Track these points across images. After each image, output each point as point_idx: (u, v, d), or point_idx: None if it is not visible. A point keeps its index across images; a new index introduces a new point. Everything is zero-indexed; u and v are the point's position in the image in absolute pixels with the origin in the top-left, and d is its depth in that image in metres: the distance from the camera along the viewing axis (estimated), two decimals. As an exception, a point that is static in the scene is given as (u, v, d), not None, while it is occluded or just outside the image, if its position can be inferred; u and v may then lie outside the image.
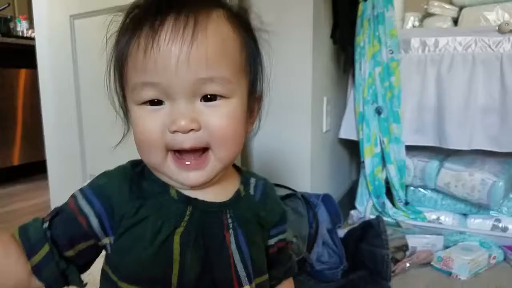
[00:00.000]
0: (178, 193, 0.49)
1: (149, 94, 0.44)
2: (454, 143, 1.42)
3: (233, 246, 0.49)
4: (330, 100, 1.47)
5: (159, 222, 0.46)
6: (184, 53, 0.42)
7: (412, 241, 1.29)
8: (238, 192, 0.53)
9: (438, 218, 1.49)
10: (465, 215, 1.49)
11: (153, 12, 0.43)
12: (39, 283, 0.45)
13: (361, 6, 1.46)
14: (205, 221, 0.48)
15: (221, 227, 0.49)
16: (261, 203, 0.55)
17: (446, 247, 1.32)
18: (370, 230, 1.19)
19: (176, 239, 0.46)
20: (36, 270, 0.44)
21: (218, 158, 0.46)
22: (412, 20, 1.91)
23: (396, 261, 1.23)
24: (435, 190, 1.52)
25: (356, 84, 1.51)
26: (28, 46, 2.05)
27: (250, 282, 0.50)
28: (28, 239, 0.45)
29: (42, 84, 1.67)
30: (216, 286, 0.48)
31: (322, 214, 1.24)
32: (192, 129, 0.44)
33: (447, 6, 1.82)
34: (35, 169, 2.43)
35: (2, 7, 2.84)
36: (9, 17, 2.94)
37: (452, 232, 1.40)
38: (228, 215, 0.50)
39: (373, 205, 1.53)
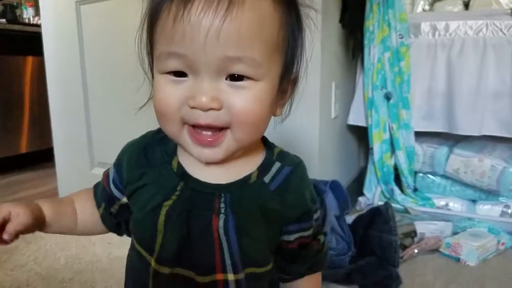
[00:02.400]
0: (179, 165, 0.49)
1: (173, 65, 0.42)
2: (464, 129, 1.41)
3: (221, 232, 0.47)
4: (339, 85, 1.46)
5: (153, 191, 0.49)
6: (215, 27, 0.39)
7: (421, 227, 1.29)
8: (246, 178, 0.49)
9: (446, 204, 1.48)
10: (474, 201, 1.48)
11: None
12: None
13: (370, -10, 1.44)
14: (194, 200, 0.48)
15: (210, 210, 0.47)
16: (277, 195, 0.49)
17: (454, 233, 1.32)
18: (379, 216, 1.19)
19: (163, 211, 0.48)
20: (102, 220, 0.56)
21: (236, 139, 0.44)
22: (422, 4, 1.86)
23: (404, 247, 1.23)
24: (444, 176, 1.51)
25: (365, 69, 1.49)
26: (35, 33, 2.04)
27: (236, 272, 0.48)
28: (95, 196, 0.57)
29: (49, 71, 1.67)
30: (195, 267, 0.47)
31: (330, 201, 1.24)
32: (212, 108, 0.41)
33: (458, -11, 1.78)
34: (42, 156, 2.45)
35: (8, -6, 2.84)
36: (15, 4, 2.94)
37: (461, 219, 1.39)
38: (222, 199, 0.47)
39: (382, 191, 1.53)
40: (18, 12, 2.93)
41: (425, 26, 1.46)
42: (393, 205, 1.28)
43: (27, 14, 2.98)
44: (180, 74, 0.43)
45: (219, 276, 0.48)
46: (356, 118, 1.56)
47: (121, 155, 0.54)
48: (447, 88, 1.44)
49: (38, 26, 2.08)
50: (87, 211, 0.57)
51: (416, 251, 1.22)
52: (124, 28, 1.41)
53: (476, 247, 1.19)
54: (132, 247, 0.54)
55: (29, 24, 2.84)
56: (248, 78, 0.42)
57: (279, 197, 0.49)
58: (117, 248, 1.31)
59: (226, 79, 0.42)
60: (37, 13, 2.88)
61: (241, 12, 0.40)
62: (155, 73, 0.45)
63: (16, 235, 0.48)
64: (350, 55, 1.57)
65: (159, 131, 0.52)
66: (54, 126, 1.74)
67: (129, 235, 0.57)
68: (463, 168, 1.44)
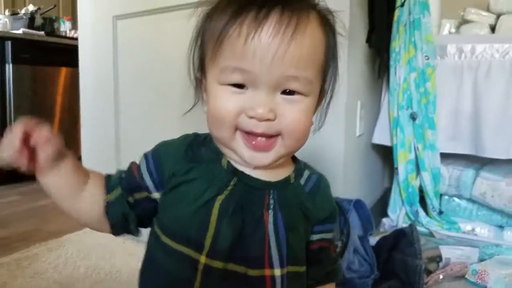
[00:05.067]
0: (229, 163, 0.52)
1: (237, 78, 0.47)
2: (491, 152, 1.38)
3: (270, 227, 0.50)
4: (364, 104, 1.46)
5: (204, 186, 0.50)
6: (282, 50, 0.44)
7: (446, 252, 1.25)
8: (287, 178, 0.54)
9: (473, 229, 1.45)
10: (501, 227, 1.44)
11: (259, 3, 0.46)
12: (107, 226, 0.54)
13: (397, 12, 1.45)
14: (246, 195, 0.50)
15: (261, 205, 0.50)
16: (310, 195, 0.55)
17: (481, 260, 1.28)
18: (403, 238, 1.17)
19: (216, 204, 0.49)
20: (107, 207, 0.53)
21: (285, 145, 0.49)
22: (448, 26, 1.87)
23: (429, 272, 1.20)
24: (471, 200, 1.47)
25: (391, 89, 1.49)
26: (70, 46, 2.14)
27: (282, 267, 0.50)
28: (109, 181, 0.55)
29: (82, 83, 1.72)
30: (247, 261, 0.49)
31: (354, 220, 1.22)
32: (268, 119, 0.46)
33: (484, 13, 1.78)
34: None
35: (48, 8, 2.98)
36: (54, 17, 3.07)
37: (488, 245, 1.35)
38: (271, 196, 0.51)
39: (406, 213, 1.50)
40: (56, 25, 3.06)
41: (451, 48, 1.46)
42: (418, 227, 1.26)
43: (65, 27, 3.14)
44: (239, 86, 0.47)
45: (267, 272, 0.50)
46: (381, 137, 1.55)
47: (162, 149, 0.54)
48: (473, 110, 1.42)
49: (74, 39, 2.18)
50: (92, 192, 0.54)
51: (441, 276, 1.19)
52: (158, 42, 1.46)
53: (504, 275, 1.16)
54: (165, 251, 0.51)
55: (65, 37, 2.98)
56: (299, 93, 0.48)
57: (312, 198, 0.55)
58: (137, 259, 1.31)
59: (281, 93, 0.47)
60: (74, 26, 3.01)
61: (303, 38, 0.46)
62: (212, 83, 0.49)
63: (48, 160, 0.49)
64: (376, 74, 1.57)
65: (197, 134, 0.56)
66: (84, 136, 1.78)
67: (131, 233, 0.55)
68: (490, 192, 1.40)
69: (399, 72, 1.46)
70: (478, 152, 1.41)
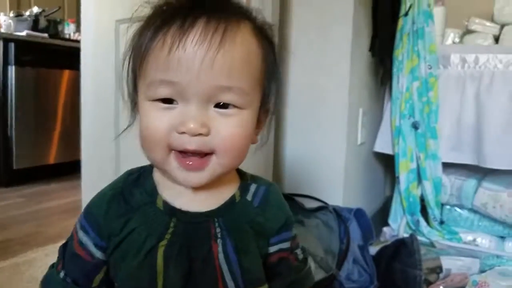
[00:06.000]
0: (165, 203, 0.49)
1: (165, 92, 0.44)
2: (493, 162, 1.37)
3: (220, 256, 0.48)
4: (366, 112, 1.46)
5: (144, 234, 0.47)
6: (209, 58, 0.42)
7: (446, 262, 1.24)
8: (232, 198, 0.51)
9: (474, 240, 1.44)
10: (503, 237, 1.43)
11: (184, 12, 0.44)
12: None
13: (401, 21, 1.45)
14: (190, 232, 0.48)
15: (208, 238, 0.48)
16: (260, 209, 0.53)
17: (482, 271, 1.26)
18: (403, 248, 1.16)
19: (160, 252, 0.47)
20: None
21: (221, 164, 0.46)
22: (452, 36, 1.87)
23: (429, 283, 1.18)
24: (472, 210, 1.46)
25: (393, 98, 1.49)
26: (73, 48, 2.14)
27: None
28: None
29: (84, 85, 1.72)
30: None
31: (354, 230, 1.22)
32: (200, 134, 0.44)
33: (488, 23, 1.78)
34: (69, 168, 2.51)
35: (53, 10, 2.98)
36: (58, 20, 3.08)
37: (489, 256, 1.34)
38: (216, 224, 0.49)
39: (407, 222, 1.49)
40: (60, 27, 3.06)
41: (454, 58, 1.45)
42: (419, 237, 1.25)
43: (69, 30, 3.12)
44: (168, 101, 0.45)
45: None
46: (382, 145, 1.55)
47: (93, 211, 0.50)
48: (476, 120, 1.41)
49: (77, 41, 2.18)
50: None
51: (441, 287, 1.18)
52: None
53: (505, 286, 1.14)
54: None
55: (69, 40, 2.98)
56: (234, 106, 0.45)
57: (262, 211, 0.53)
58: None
59: (214, 106, 0.45)
60: (78, 29, 3.01)
61: (233, 46, 0.43)
62: (142, 100, 0.47)
63: None
64: (378, 82, 1.58)
65: (130, 173, 0.53)
66: (84, 139, 1.78)
67: None
68: (491, 203, 1.39)
69: (401, 80, 1.46)
70: (480, 162, 1.40)
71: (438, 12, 1.53)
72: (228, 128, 0.45)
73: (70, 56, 2.27)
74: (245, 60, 0.45)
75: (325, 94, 1.30)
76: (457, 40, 1.85)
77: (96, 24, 1.60)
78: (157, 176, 0.51)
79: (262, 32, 0.49)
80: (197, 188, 0.48)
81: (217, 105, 0.45)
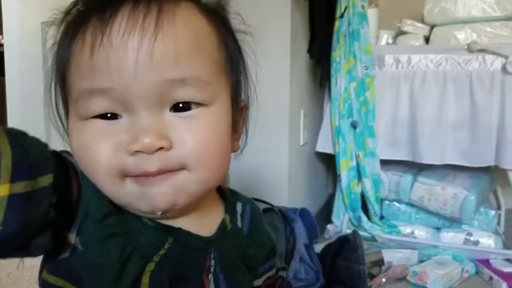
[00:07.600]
0: (158, 219, 0.38)
1: (99, 105, 0.34)
2: (427, 158, 1.45)
3: None
4: (307, 113, 1.48)
5: (128, 249, 0.35)
6: (146, 47, 0.32)
7: (388, 255, 1.29)
8: (223, 224, 0.43)
9: (412, 232, 1.50)
10: (438, 229, 1.51)
11: (103, 4, 0.34)
12: None
13: (337, 23, 1.49)
14: (184, 259, 0.38)
15: (201, 270, 0.39)
16: (249, 237, 0.45)
17: (420, 261, 1.33)
18: (347, 245, 1.18)
19: (145, 279, 0.36)
20: (11, 206, 0.28)
21: (196, 180, 0.36)
22: (386, 37, 1.94)
23: (372, 276, 1.22)
24: (410, 204, 1.53)
25: (332, 99, 1.52)
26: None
27: None
28: (25, 154, 0.31)
29: (10, 92, 1.61)
30: None
31: (299, 229, 1.23)
32: (160, 148, 0.33)
33: (419, 25, 1.87)
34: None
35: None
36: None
37: (426, 246, 1.41)
38: (212, 256, 0.40)
39: (349, 219, 1.53)
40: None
41: (389, 59, 1.51)
42: (361, 232, 1.28)
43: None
44: (109, 117, 0.34)
45: None
46: (324, 145, 1.58)
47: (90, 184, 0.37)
48: (410, 118, 1.48)
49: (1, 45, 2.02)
50: None
51: (383, 280, 1.22)
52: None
53: (442, 275, 1.21)
54: None
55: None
56: (198, 104, 0.35)
57: (251, 240, 0.45)
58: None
59: (170, 110, 0.35)
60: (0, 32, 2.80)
61: (174, 27, 0.33)
62: (74, 122, 0.36)
63: None
64: (318, 84, 1.60)
65: None
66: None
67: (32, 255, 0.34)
68: (427, 196, 1.47)
69: (339, 82, 1.50)
70: (415, 158, 1.47)
71: (371, 13, 1.58)
72: (195, 134, 0.35)
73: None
74: (194, 42, 0.35)
75: (266, 96, 1.30)
76: (390, 41, 1.93)
77: (20, 26, 1.51)
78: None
79: (212, 12, 0.39)
80: (177, 211, 0.37)
81: (176, 108, 0.34)
